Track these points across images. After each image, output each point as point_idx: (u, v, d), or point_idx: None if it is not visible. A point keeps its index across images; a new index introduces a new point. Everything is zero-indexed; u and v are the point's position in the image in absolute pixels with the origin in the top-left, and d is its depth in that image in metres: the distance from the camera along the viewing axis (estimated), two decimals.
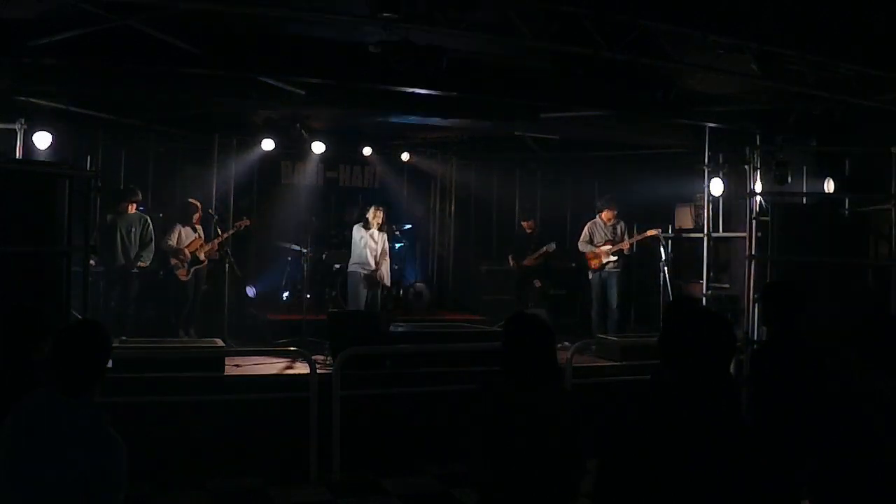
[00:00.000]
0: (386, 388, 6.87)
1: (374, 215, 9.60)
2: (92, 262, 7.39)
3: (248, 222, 9.88)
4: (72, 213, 6.07)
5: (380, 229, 9.67)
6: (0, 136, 7.33)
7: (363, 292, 9.49)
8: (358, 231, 9.65)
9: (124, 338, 8.16)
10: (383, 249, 9.67)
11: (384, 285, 9.89)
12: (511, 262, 10.74)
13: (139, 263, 8.92)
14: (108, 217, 8.94)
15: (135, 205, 9.08)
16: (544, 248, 10.43)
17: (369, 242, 9.54)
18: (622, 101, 8.13)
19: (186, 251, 9.24)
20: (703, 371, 2.23)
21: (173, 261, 9.22)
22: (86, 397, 2.57)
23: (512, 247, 10.99)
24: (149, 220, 9.24)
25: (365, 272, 9.51)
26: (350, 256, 9.74)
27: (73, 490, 2.43)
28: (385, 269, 9.73)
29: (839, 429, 2.69)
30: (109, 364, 2.70)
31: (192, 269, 9.28)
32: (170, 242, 9.24)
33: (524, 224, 10.97)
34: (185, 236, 9.33)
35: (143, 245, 9.05)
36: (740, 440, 2.29)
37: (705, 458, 2.20)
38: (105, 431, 2.53)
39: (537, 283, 10.53)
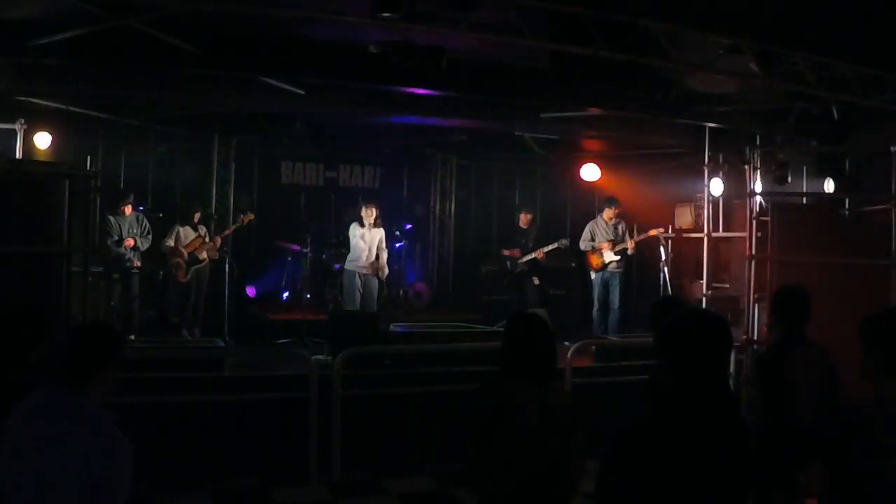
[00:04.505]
0: (386, 388, 6.87)
1: (367, 213, 9.72)
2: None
3: (251, 216, 9.87)
4: (72, 213, 6.06)
5: (375, 226, 9.76)
6: (0, 136, 7.33)
7: (358, 291, 9.59)
8: (354, 229, 9.79)
9: (131, 337, 8.19)
10: (379, 246, 9.75)
11: (381, 280, 9.85)
12: (507, 254, 10.48)
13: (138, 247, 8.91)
14: (110, 218, 8.91)
15: (131, 206, 9.02)
16: (556, 244, 10.19)
17: (361, 241, 9.67)
18: (622, 101, 8.13)
19: (184, 251, 9.22)
20: (700, 371, 2.23)
21: (172, 261, 9.21)
22: (91, 397, 2.57)
23: (510, 242, 10.70)
24: (146, 219, 9.21)
25: (358, 270, 9.61)
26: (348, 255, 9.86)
27: (77, 489, 2.43)
28: (383, 262, 9.78)
29: (843, 431, 2.68)
30: (120, 365, 2.68)
31: (191, 269, 9.27)
32: (168, 243, 9.21)
33: (522, 216, 10.65)
34: (185, 236, 9.31)
35: (143, 237, 9.03)
36: (740, 440, 2.29)
37: (705, 458, 2.19)
38: (110, 431, 2.53)
39: (536, 281, 10.34)
